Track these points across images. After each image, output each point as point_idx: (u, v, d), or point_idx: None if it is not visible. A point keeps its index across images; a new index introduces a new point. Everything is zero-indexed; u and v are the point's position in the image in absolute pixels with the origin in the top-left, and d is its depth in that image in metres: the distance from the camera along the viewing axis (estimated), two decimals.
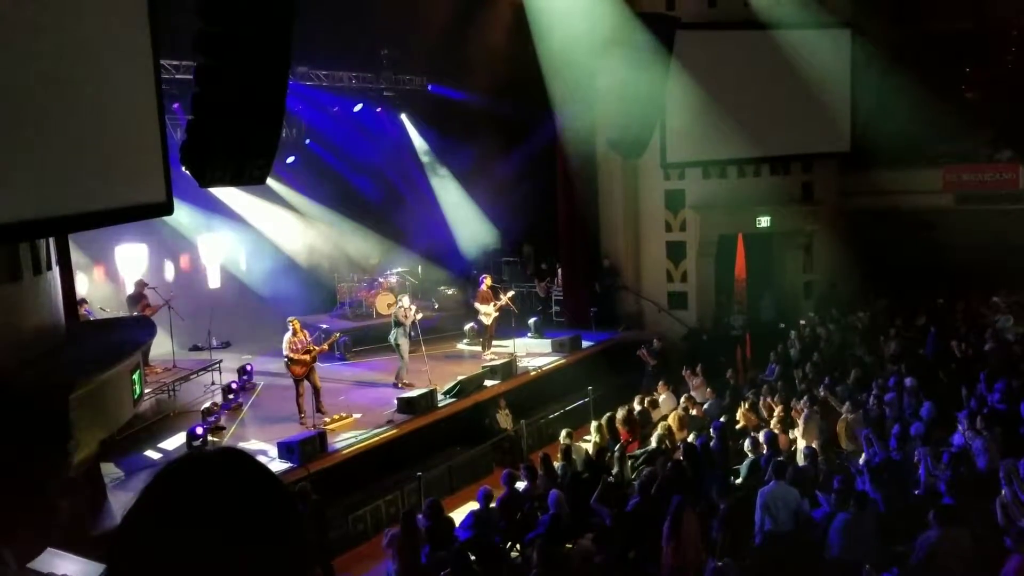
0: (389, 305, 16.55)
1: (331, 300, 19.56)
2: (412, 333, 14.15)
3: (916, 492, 8.75)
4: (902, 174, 19.38)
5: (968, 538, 6.92)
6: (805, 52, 17.80)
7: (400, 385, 13.85)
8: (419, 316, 14.17)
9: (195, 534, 1.15)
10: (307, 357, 12.12)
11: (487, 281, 16.11)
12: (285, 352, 12.08)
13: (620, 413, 12.23)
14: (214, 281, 18.42)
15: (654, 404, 13.16)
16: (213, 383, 14.19)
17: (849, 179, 19.89)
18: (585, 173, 18.21)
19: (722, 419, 11.72)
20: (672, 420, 11.79)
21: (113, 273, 16.21)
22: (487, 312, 15.78)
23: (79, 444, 8.07)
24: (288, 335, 12.15)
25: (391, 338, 13.89)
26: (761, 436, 10.34)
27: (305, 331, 12.46)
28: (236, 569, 1.16)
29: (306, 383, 12.22)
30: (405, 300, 14.31)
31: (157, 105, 8.92)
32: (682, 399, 12.98)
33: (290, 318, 12.59)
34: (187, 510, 1.17)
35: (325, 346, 12.89)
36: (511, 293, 16.30)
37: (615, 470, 10.52)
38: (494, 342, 16.20)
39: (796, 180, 19.33)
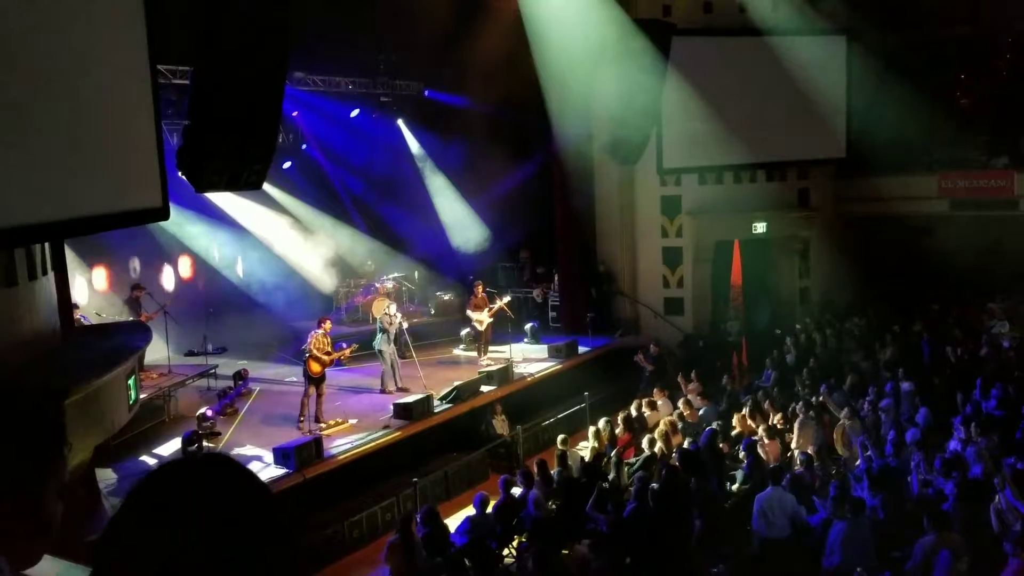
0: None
1: (327, 305, 19.55)
2: (401, 339, 14.13)
3: (912, 497, 8.76)
4: (897, 180, 19.44)
5: (962, 543, 6.93)
6: (801, 58, 17.85)
7: (386, 392, 13.81)
8: (404, 324, 14.05)
9: (178, 535, 1.16)
10: (326, 359, 12.16)
11: (480, 288, 16.10)
12: (308, 347, 12.08)
13: (617, 418, 12.22)
14: (210, 286, 18.38)
15: (652, 407, 13.16)
16: (209, 388, 14.15)
17: (845, 185, 19.95)
18: (582, 179, 18.20)
19: (715, 425, 11.71)
20: (667, 426, 11.78)
21: (107, 277, 16.15)
22: (479, 319, 15.79)
23: (74, 450, 8.04)
24: (318, 332, 12.23)
25: (374, 344, 13.87)
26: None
27: (328, 337, 12.50)
28: (218, 571, 1.17)
29: (313, 387, 12.21)
30: (392, 307, 14.29)
31: (154, 110, 8.91)
32: (680, 403, 12.97)
33: (323, 317, 12.74)
34: (170, 513, 1.19)
35: (347, 352, 12.84)
36: (507, 298, 16.29)
37: (611, 476, 10.52)
38: (490, 348, 16.18)
39: (792, 186, 19.39)
